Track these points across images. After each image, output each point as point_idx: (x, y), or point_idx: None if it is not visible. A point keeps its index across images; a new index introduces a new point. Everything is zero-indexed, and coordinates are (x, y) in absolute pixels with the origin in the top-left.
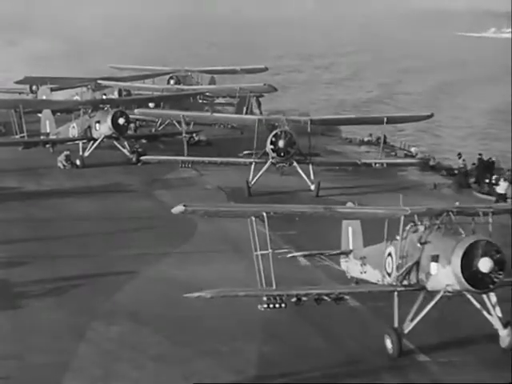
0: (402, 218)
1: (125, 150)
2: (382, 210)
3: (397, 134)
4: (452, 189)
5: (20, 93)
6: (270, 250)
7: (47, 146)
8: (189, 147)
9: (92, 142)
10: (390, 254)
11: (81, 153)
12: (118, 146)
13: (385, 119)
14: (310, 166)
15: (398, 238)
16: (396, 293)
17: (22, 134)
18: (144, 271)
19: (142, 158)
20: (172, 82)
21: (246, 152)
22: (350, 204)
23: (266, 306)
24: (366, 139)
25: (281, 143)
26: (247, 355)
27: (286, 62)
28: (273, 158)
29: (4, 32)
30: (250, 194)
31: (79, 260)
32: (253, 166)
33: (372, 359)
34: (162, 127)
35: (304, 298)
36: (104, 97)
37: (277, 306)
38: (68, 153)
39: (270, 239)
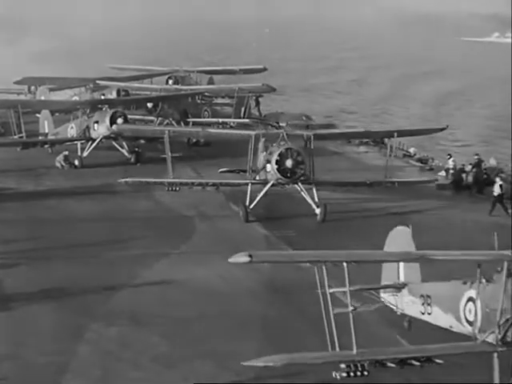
0: (506, 264)
1: (123, 150)
2: (482, 257)
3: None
4: (450, 189)
5: (18, 93)
6: (351, 307)
7: (46, 146)
8: (189, 148)
9: (90, 142)
10: (471, 299)
11: (79, 153)
12: (117, 146)
13: (395, 134)
14: (314, 188)
15: (481, 281)
16: (496, 354)
17: (20, 135)
18: (143, 271)
19: (124, 180)
20: (170, 82)
21: (223, 169)
22: (401, 228)
23: (345, 374)
24: (364, 140)
25: (289, 163)
26: (247, 355)
27: (287, 64)
28: (278, 179)
29: (4, 31)
30: (247, 220)
31: (78, 260)
32: (249, 188)
33: None
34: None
35: (391, 365)
36: (102, 97)
37: (358, 374)
38: (67, 153)
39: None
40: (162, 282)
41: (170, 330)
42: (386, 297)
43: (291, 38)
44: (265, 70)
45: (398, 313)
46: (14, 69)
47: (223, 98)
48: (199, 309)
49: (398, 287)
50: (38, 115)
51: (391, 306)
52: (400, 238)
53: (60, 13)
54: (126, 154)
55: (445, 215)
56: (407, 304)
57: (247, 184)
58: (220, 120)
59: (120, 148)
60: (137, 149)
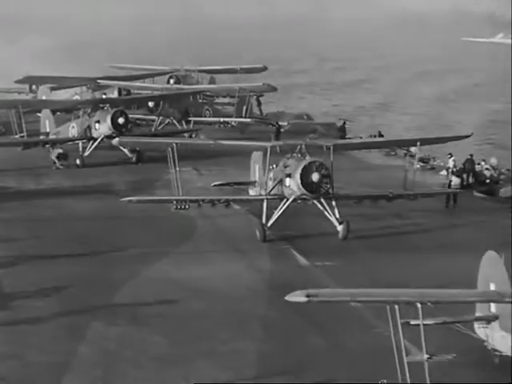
0: None
1: (125, 150)
2: None
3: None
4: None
5: (19, 92)
6: (426, 356)
7: (47, 145)
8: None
9: (92, 141)
10: None
11: (81, 152)
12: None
13: (418, 143)
14: (335, 203)
15: None
16: None
17: (21, 134)
18: (144, 271)
19: (127, 199)
20: (172, 81)
21: (217, 183)
22: (492, 253)
23: None
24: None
25: (315, 177)
26: (247, 355)
27: (290, 64)
28: (302, 194)
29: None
30: (264, 240)
31: (79, 259)
32: (265, 204)
33: None
34: (161, 127)
35: None
36: (104, 96)
37: None
38: (61, 151)
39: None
40: (162, 281)
41: (171, 330)
42: (478, 328)
43: (291, 39)
44: (265, 69)
45: (489, 347)
46: (16, 68)
47: (224, 97)
48: (199, 308)
49: (489, 319)
50: (39, 114)
51: (482, 339)
52: (491, 267)
53: (60, 12)
54: (127, 153)
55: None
56: (498, 338)
57: (262, 200)
58: (221, 119)
59: (121, 147)
60: (138, 148)
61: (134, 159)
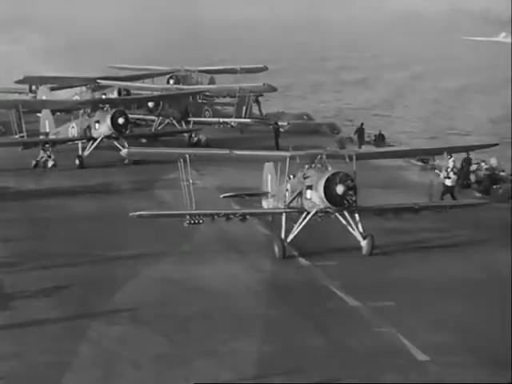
0: None
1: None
2: None
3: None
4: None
5: (19, 92)
6: None
7: (47, 145)
8: (190, 147)
9: (91, 141)
10: None
11: (80, 152)
12: (118, 145)
13: (445, 153)
14: (358, 216)
15: None
16: None
17: (21, 134)
18: (144, 271)
19: (137, 213)
20: (171, 81)
21: (227, 194)
22: None
23: None
24: (365, 139)
25: (340, 189)
26: (247, 355)
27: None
28: (326, 207)
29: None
30: (284, 255)
31: (79, 259)
32: (284, 218)
33: None
34: (161, 127)
35: None
36: (103, 96)
37: None
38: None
39: None
40: (162, 281)
41: (171, 329)
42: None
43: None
44: (265, 69)
45: None
46: (16, 68)
47: (224, 97)
48: (199, 308)
49: None
50: (38, 115)
51: None
52: None
53: (60, 12)
54: None
55: None
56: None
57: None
58: (221, 120)
59: (121, 147)
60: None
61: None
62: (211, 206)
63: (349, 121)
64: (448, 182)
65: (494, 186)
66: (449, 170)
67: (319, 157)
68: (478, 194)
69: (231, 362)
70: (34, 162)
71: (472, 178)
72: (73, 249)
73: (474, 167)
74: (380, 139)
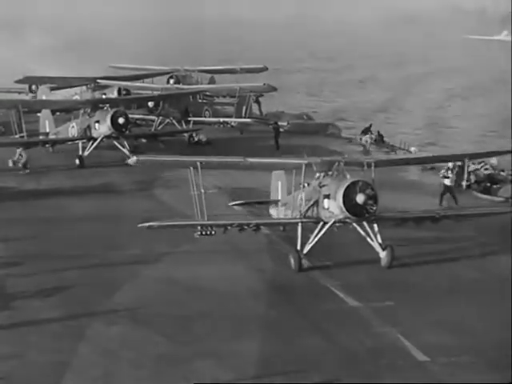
0: None
1: (124, 150)
2: None
3: (397, 133)
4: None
5: (19, 92)
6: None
7: (47, 145)
8: (190, 146)
9: (91, 141)
10: None
11: (80, 152)
12: (118, 145)
13: (466, 159)
14: (377, 227)
15: None
16: None
17: (21, 134)
18: (144, 271)
19: (147, 224)
20: (172, 81)
21: (236, 202)
22: None
23: None
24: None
25: (360, 198)
26: (247, 355)
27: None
28: (346, 217)
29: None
30: (300, 268)
31: (79, 260)
32: (300, 228)
33: None
34: (161, 126)
35: None
36: (103, 96)
37: None
38: (22, 155)
39: None
40: (162, 281)
41: (171, 329)
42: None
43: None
44: (265, 69)
45: None
46: (16, 68)
47: (224, 97)
48: (199, 308)
49: None
50: (38, 114)
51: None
52: None
53: (60, 12)
54: (127, 153)
55: None
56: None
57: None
58: (221, 119)
59: (121, 147)
60: (136, 143)
61: None
62: (218, 212)
63: (348, 121)
64: (447, 182)
65: (494, 186)
66: (448, 169)
67: (336, 164)
68: (478, 194)
69: None
70: (10, 163)
71: (472, 178)
72: (73, 249)
73: (473, 167)
74: (379, 139)
